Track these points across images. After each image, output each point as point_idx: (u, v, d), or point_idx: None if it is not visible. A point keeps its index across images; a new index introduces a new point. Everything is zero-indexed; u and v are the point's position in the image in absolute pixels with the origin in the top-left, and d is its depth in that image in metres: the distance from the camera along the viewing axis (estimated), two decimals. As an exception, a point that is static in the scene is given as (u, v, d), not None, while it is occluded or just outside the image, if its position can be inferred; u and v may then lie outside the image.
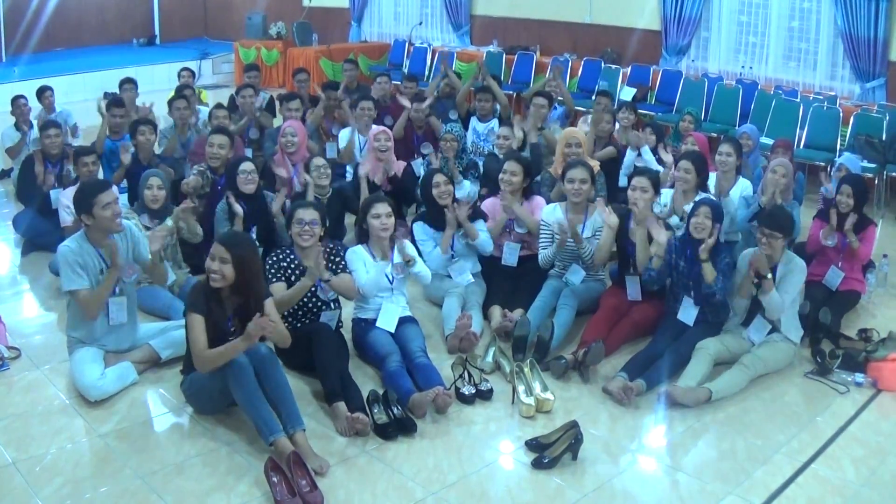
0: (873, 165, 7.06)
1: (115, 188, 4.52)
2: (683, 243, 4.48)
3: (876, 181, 7.13)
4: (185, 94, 7.32)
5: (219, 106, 7.00)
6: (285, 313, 4.11)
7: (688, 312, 4.44)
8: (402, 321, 4.35)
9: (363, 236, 4.47)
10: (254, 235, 5.00)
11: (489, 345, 4.49)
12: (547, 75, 8.63)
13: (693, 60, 9.62)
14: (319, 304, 4.23)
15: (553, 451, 3.51)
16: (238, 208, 5.02)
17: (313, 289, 4.18)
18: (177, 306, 4.65)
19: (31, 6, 12.64)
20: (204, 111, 7.42)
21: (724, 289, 4.32)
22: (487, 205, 5.28)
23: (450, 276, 4.94)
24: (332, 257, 4.26)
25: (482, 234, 4.98)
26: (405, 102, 7.13)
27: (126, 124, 6.55)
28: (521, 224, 5.11)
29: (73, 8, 13.42)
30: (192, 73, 9.06)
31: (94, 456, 3.49)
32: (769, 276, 4.17)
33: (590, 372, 4.24)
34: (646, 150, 6.13)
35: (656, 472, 3.54)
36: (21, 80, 10.28)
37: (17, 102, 7.16)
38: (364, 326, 4.35)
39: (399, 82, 8.65)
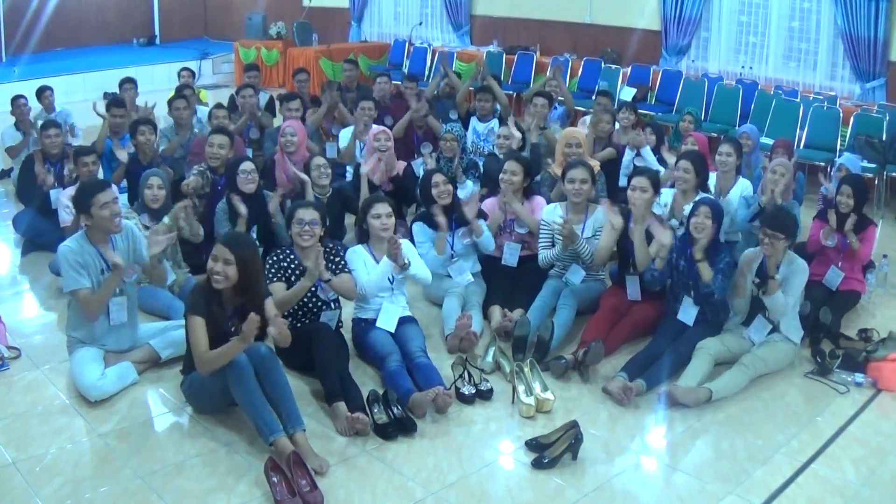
0: (873, 165, 7.06)
1: (114, 188, 4.51)
2: (684, 243, 4.47)
3: (876, 181, 7.13)
4: (184, 93, 7.32)
5: (218, 106, 6.99)
6: (285, 314, 4.10)
7: (688, 312, 4.44)
8: (403, 321, 4.35)
9: (363, 236, 4.47)
10: (254, 235, 5.01)
11: (489, 345, 4.49)
12: (547, 74, 8.62)
13: (693, 60, 9.63)
14: (319, 304, 4.23)
15: (553, 451, 3.51)
16: (242, 209, 5.02)
17: (313, 289, 4.18)
18: (177, 306, 4.65)
19: (31, 6, 12.64)
20: (203, 111, 7.42)
21: (724, 288, 4.31)
22: (487, 205, 5.28)
23: (450, 276, 4.94)
24: (332, 257, 4.26)
25: (486, 233, 4.98)
26: (413, 103, 7.13)
27: (126, 124, 6.55)
28: (522, 224, 5.11)
29: (73, 8, 13.43)
30: (192, 72, 9.06)
31: (94, 456, 3.49)
32: (776, 277, 4.17)
33: (590, 372, 4.24)
34: (646, 150, 6.13)
35: (656, 472, 3.54)
36: (21, 80, 10.27)
37: (17, 102, 7.16)
38: (364, 326, 4.35)
39: (399, 82, 8.65)
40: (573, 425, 3.56)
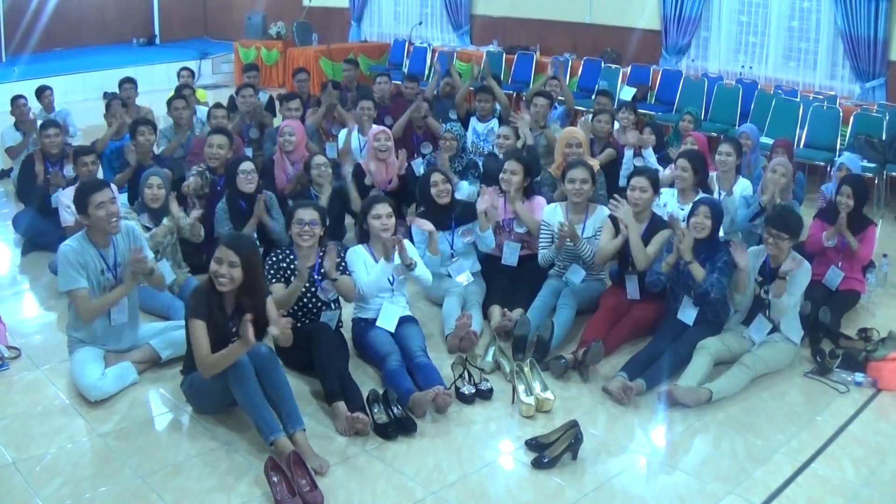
0: (873, 165, 7.06)
1: (113, 188, 4.50)
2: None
3: (876, 181, 7.14)
4: (183, 93, 7.32)
5: (217, 106, 6.99)
6: (285, 314, 4.10)
7: (688, 312, 4.44)
8: (403, 321, 4.35)
9: (364, 236, 4.47)
10: (254, 235, 5.01)
11: (489, 344, 4.49)
12: (548, 73, 8.62)
13: (693, 60, 9.63)
14: (319, 304, 4.23)
15: (553, 451, 3.51)
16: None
17: (313, 289, 4.18)
18: (177, 306, 4.65)
19: (31, 6, 12.63)
20: (203, 111, 7.42)
21: (720, 286, 4.31)
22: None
23: (449, 276, 4.94)
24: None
25: (489, 229, 4.98)
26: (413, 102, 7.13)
27: (126, 124, 6.55)
28: (521, 223, 5.11)
29: (73, 8, 13.42)
30: (192, 72, 9.06)
31: (94, 456, 3.49)
32: (785, 277, 4.16)
33: (590, 371, 4.24)
34: (647, 150, 6.13)
35: (656, 472, 3.54)
36: (21, 79, 10.26)
37: (17, 102, 7.16)
38: (364, 326, 4.35)
39: (399, 82, 8.64)
40: (573, 425, 3.56)
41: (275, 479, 3.22)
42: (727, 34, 9.37)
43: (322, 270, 4.18)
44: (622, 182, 6.01)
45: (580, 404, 4.01)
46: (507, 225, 5.16)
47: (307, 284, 4.13)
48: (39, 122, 7.02)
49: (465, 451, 3.61)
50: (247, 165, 5.21)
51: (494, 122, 7.10)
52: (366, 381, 4.10)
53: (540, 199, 5.25)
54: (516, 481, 3.43)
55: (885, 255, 5.41)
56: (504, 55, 10.65)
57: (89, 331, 4.04)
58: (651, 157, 6.10)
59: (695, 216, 4.37)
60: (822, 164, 7.38)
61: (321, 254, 4.22)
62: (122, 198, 5.56)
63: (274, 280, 4.11)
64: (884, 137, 7.20)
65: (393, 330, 4.29)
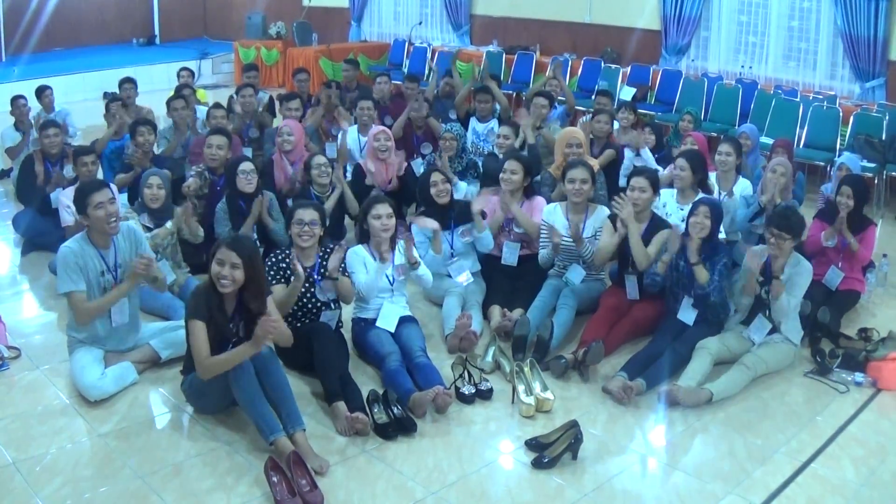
0: (873, 165, 7.06)
1: (112, 188, 4.50)
2: (683, 243, 4.47)
3: (876, 181, 7.14)
4: (183, 94, 7.32)
5: (216, 106, 6.99)
6: (287, 316, 4.10)
7: (687, 312, 4.44)
8: (403, 321, 4.35)
9: (364, 236, 4.47)
10: (254, 235, 5.01)
11: (489, 344, 4.49)
12: (547, 73, 8.62)
13: (693, 60, 9.63)
14: (319, 304, 4.23)
15: (553, 451, 3.51)
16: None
17: (312, 289, 4.18)
18: (177, 306, 4.65)
19: (30, 6, 12.62)
20: (204, 111, 7.42)
21: (721, 289, 4.31)
22: (488, 203, 5.27)
23: (449, 276, 4.94)
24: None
25: (486, 230, 4.98)
26: (413, 102, 7.12)
27: (126, 124, 6.55)
28: (519, 224, 5.11)
29: (73, 8, 13.41)
30: (192, 72, 9.06)
31: (94, 456, 3.48)
32: (780, 277, 4.16)
33: (590, 371, 4.24)
34: (645, 150, 6.13)
35: (656, 472, 3.54)
36: (20, 79, 10.26)
37: (17, 103, 7.16)
38: (364, 326, 4.35)
39: (399, 82, 8.63)
40: (573, 425, 3.56)
41: (275, 479, 3.22)
42: (727, 34, 9.37)
43: (322, 270, 4.18)
44: (622, 182, 6.01)
45: (580, 404, 4.01)
46: (506, 225, 5.16)
47: (306, 284, 4.13)
48: (35, 122, 7.04)
49: (465, 451, 3.61)
50: (246, 166, 5.21)
51: (494, 123, 7.10)
52: (366, 381, 4.10)
53: (540, 200, 5.25)
54: (516, 481, 3.43)
55: (885, 255, 5.41)
56: (504, 55, 10.65)
57: (90, 331, 4.04)
58: (649, 157, 6.10)
59: (694, 216, 4.37)
60: (822, 164, 7.38)
61: (321, 254, 4.22)
62: (123, 198, 5.56)
63: (273, 281, 4.11)
64: (884, 137, 7.20)
65: (393, 330, 4.29)
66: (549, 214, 4.96)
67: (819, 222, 5.13)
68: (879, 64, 8.04)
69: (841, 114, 7.57)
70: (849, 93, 8.40)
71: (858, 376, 4.26)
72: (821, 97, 8.07)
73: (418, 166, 6.48)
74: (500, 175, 5.13)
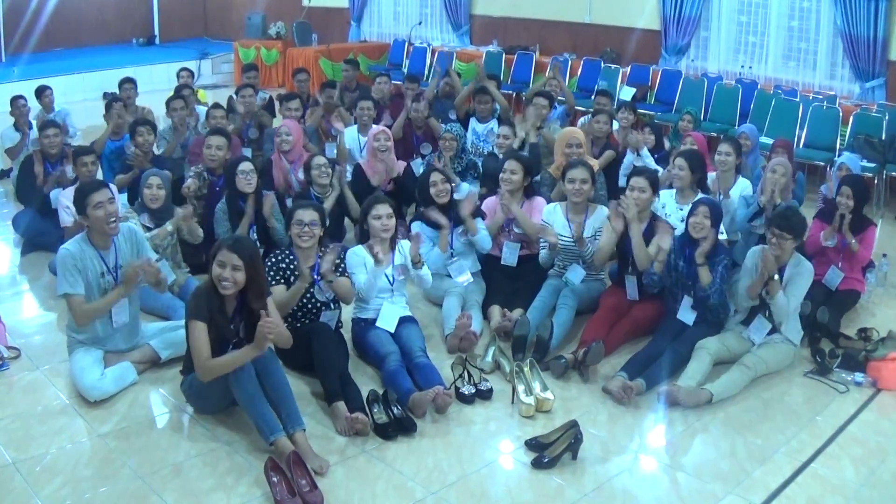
0: (873, 165, 7.06)
1: (112, 188, 4.49)
2: (682, 243, 4.47)
3: (876, 181, 7.14)
4: (183, 94, 7.32)
5: (216, 106, 6.98)
6: (287, 317, 4.10)
7: (687, 312, 4.44)
8: (402, 321, 4.35)
9: (364, 237, 4.47)
10: (254, 236, 5.01)
11: (489, 344, 4.49)
12: (547, 73, 8.63)
13: (693, 60, 9.63)
14: (318, 304, 4.23)
15: (553, 451, 3.51)
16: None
17: (312, 289, 4.18)
18: (177, 306, 4.65)
19: (30, 6, 12.63)
20: (202, 111, 7.42)
21: (721, 291, 4.31)
22: (488, 204, 5.28)
23: (449, 276, 4.94)
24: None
25: (481, 231, 4.98)
26: (411, 102, 7.12)
27: (126, 124, 6.55)
28: (519, 225, 5.11)
29: (73, 8, 13.42)
30: (191, 73, 9.05)
31: (94, 456, 3.48)
32: (776, 277, 4.16)
33: (589, 371, 4.24)
34: (644, 151, 6.13)
35: (656, 472, 3.54)
36: (20, 79, 10.26)
37: (17, 103, 7.15)
38: (364, 326, 4.35)
39: (399, 82, 8.62)
40: (573, 425, 3.56)
41: (275, 479, 3.22)
42: (727, 34, 9.37)
43: (321, 271, 4.18)
44: (622, 182, 6.01)
45: (580, 404, 4.01)
46: (506, 225, 5.16)
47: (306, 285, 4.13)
48: (34, 121, 7.04)
49: (465, 451, 3.61)
50: (246, 166, 5.20)
51: (494, 123, 7.10)
52: (366, 381, 4.10)
53: (539, 200, 5.25)
54: (516, 481, 3.43)
55: (884, 255, 5.41)
56: (504, 55, 10.65)
57: (90, 332, 4.04)
58: (648, 158, 6.10)
59: (694, 216, 4.37)
60: (821, 164, 7.38)
61: (321, 254, 4.22)
62: (122, 198, 5.56)
63: (273, 281, 4.10)
64: (883, 137, 7.20)
65: (393, 330, 4.29)
66: (549, 214, 4.96)
67: (819, 222, 5.14)
68: (879, 64, 8.04)
69: (841, 114, 7.57)
70: (848, 93, 8.40)
71: (858, 376, 4.26)
72: (821, 97, 8.07)
73: (418, 166, 6.48)
74: (500, 175, 5.13)
